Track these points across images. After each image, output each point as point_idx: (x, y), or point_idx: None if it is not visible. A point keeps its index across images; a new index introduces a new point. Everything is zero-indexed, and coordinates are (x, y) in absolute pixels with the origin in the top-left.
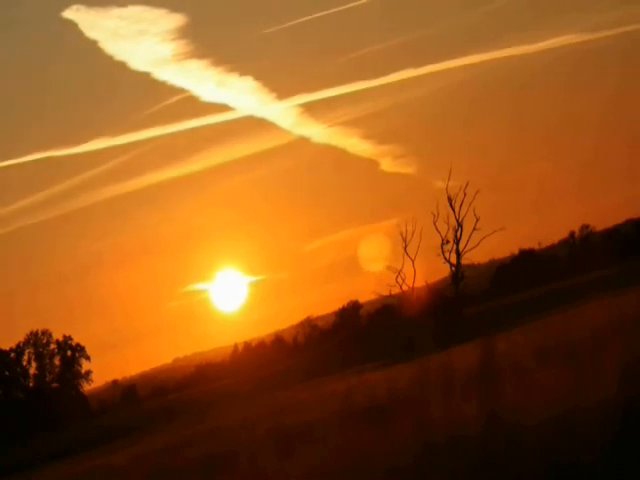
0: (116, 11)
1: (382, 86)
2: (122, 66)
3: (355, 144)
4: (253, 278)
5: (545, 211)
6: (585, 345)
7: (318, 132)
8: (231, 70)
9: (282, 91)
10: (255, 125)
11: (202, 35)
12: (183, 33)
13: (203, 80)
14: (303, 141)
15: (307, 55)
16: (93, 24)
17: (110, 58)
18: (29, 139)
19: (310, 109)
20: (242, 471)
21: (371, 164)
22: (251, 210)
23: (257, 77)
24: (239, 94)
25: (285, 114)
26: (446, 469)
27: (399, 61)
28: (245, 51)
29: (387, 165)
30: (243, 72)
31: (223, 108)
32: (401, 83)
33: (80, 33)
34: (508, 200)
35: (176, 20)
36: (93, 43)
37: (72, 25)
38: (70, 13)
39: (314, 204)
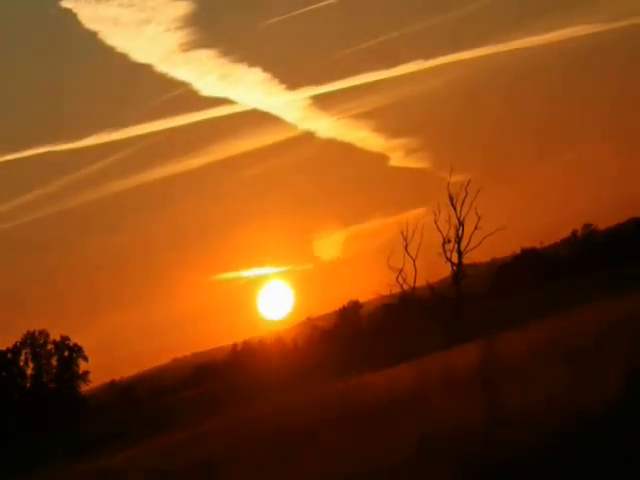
0: None
1: (397, 77)
2: (124, 58)
3: (366, 137)
4: (262, 271)
5: (547, 210)
6: (587, 345)
7: (327, 125)
8: (240, 60)
9: (292, 82)
10: (262, 119)
11: (210, 23)
12: (189, 21)
13: (209, 71)
14: (308, 135)
15: (319, 45)
16: (93, 14)
17: (111, 50)
18: (27, 134)
19: (321, 101)
20: (242, 471)
21: (380, 159)
22: (252, 208)
23: (266, 68)
24: (247, 85)
25: (294, 107)
26: (446, 469)
27: (414, 51)
28: (254, 40)
29: (398, 160)
30: (252, 63)
31: (229, 101)
32: (417, 74)
33: (79, 24)
34: (510, 198)
35: (182, 7)
36: (93, 34)
37: (71, 15)
38: (69, 2)
39: (315, 202)
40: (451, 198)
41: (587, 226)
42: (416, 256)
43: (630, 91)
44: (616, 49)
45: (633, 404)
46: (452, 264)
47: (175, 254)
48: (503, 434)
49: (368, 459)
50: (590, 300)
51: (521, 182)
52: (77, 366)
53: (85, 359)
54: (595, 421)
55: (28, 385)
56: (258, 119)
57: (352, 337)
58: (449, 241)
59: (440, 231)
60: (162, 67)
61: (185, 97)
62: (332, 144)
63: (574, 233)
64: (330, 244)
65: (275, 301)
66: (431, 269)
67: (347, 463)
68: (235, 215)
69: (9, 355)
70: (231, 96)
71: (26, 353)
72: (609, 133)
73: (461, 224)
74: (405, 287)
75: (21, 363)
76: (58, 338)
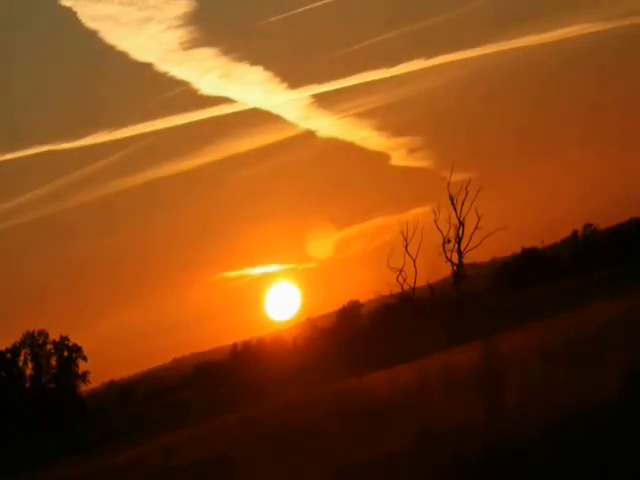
0: None
1: (399, 76)
2: (124, 57)
3: (367, 137)
4: (263, 269)
5: (547, 209)
6: (588, 345)
7: (328, 124)
8: (240, 59)
9: (293, 81)
10: (263, 118)
11: (210, 22)
12: (190, 19)
13: (210, 70)
14: (309, 134)
15: (320, 44)
16: (93, 12)
17: (111, 49)
18: (26, 133)
19: (322, 100)
20: (243, 469)
21: (381, 158)
22: (253, 207)
23: (267, 67)
24: (248, 84)
25: (295, 106)
26: (444, 463)
27: (415, 50)
28: (255, 39)
29: (399, 159)
30: (253, 61)
31: (229, 100)
32: (418, 73)
33: (79, 23)
34: (510, 198)
35: (182, 5)
36: (93, 33)
37: (71, 14)
38: (68, 1)
39: (316, 201)
40: (451, 198)
41: (588, 226)
42: (416, 256)
43: (631, 90)
44: (616, 49)
45: (631, 403)
46: (452, 264)
47: (176, 253)
48: (501, 431)
49: (366, 454)
50: (591, 299)
51: (522, 182)
52: (76, 366)
53: (84, 359)
54: (593, 419)
55: (27, 385)
56: (259, 118)
57: (352, 337)
58: (449, 241)
59: (440, 231)
60: (162, 66)
61: (185, 96)
62: (333, 143)
63: (575, 233)
64: (330, 243)
65: (278, 301)
66: (431, 269)
67: (347, 457)
68: (235, 214)
69: (8, 355)
70: (231, 95)
71: (25, 353)
72: (610, 133)
73: (461, 224)
74: (405, 287)
75: (20, 363)
76: (57, 338)
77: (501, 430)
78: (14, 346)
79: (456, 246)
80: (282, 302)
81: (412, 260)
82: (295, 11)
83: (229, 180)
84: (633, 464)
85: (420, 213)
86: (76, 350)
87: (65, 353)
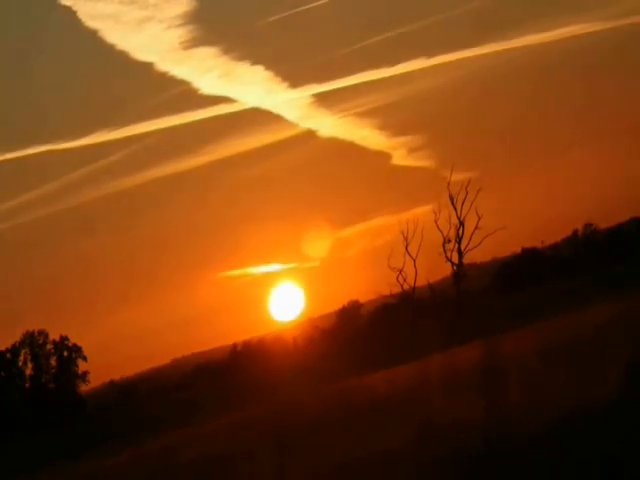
0: None
1: (400, 75)
2: (124, 56)
3: (368, 136)
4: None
5: (548, 209)
6: (588, 345)
7: (329, 123)
8: (241, 58)
9: (294, 81)
10: (263, 117)
11: (211, 21)
12: (191, 18)
13: (211, 69)
14: (310, 134)
15: (321, 43)
16: (93, 11)
17: (111, 48)
18: (27, 133)
19: (322, 99)
20: (242, 468)
21: (382, 157)
22: (253, 207)
23: (268, 66)
24: (249, 84)
25: (295, 105)
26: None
27: (416, 49)
28: (256, 38)
29: (400, 158)
30: (254, 61)
31: (230, 100)
32: (419, 72)
33: (79, 22)
34: (510, 198)
35: (183, 4)
36: (93, 32)
37: (70, 13)
38: (68, 0)
39: (317, 200)
40: (451, 198)
41: (588, 225)
42: (416, 256)
43: (630, 90)
44: (616, 49)
45: (631, 400)
46: (452, 264)
47: (176, 253)
48: (501, 431)
49: (367, 450)
50: (591, 299)
51: (522, 182)
52: (76, 366)
53: (84, 359)
54: (593, 417)
55: (27, 385)
56: (259, 118)
57: (352, 337)
58: (449, 241)
59: (440, 231)
60: (162, 65)
61: (185, 96)
62: (334, 142)
63: (575, 232)
64: (330, 243)
65: (281, 301)
66: (431, 269)
67: (347, 455)
68: (235, 214)
69: (8, 355)
70: (232, 94)
71: (25, 353)
72: (610, 132)
73: (461, 224)
74: (405, 287)
75: (20, 363)
76: (57, 338)
77: (501, 429)
78: (14, 346)
79: (456, 246)
80: (285, 302)
81: (412, 260)
82: (295, 11)
83: (229, 180)
84: (633, 462)
85: (420, 213)
86: (76, 350)
87: (65, 353)
